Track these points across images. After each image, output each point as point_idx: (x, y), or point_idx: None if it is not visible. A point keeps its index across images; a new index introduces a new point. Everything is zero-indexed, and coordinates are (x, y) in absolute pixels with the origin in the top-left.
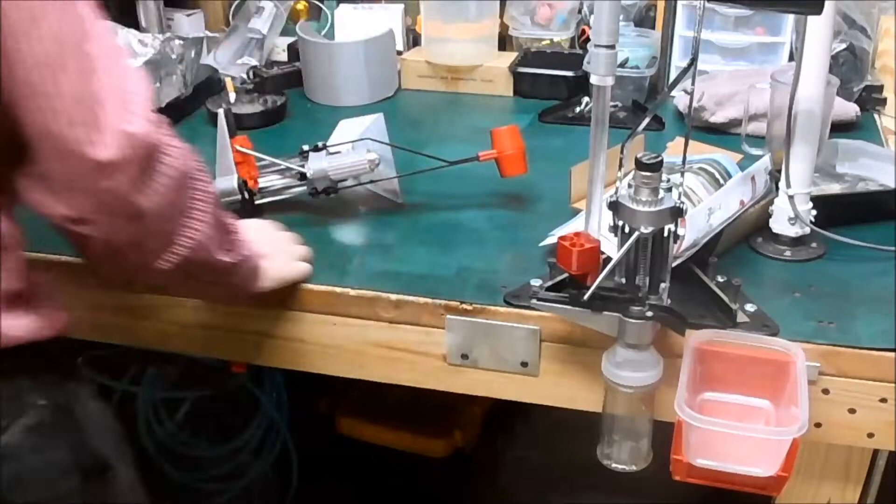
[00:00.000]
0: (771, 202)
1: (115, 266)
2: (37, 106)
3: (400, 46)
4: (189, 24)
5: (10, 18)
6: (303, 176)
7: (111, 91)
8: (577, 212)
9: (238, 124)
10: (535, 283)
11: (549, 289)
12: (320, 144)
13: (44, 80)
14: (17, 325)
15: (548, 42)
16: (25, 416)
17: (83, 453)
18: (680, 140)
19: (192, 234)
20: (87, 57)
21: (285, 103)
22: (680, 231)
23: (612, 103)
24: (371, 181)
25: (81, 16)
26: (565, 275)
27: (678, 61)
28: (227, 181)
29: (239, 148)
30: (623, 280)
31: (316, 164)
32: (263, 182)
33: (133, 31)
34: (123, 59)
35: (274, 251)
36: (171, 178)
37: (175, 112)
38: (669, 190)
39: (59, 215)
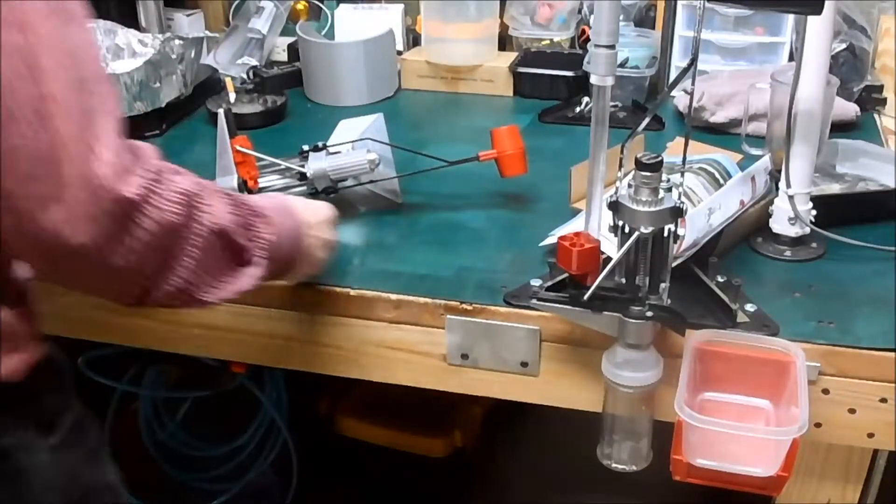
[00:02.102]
0: (771, 202)
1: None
2: None
3: (400, 46)
4: (189, 24)
5: None
6: (303, 176)
7: (71, 139)
8: (577, 212)
9: (238, 124)
10: (535, 283)
11: (549, 289)
12: (320, 144)
13: None
14: None
15: (548, 42)
16: None
17: None
18: (680, 140)
19: (174, 281)
20: (41, 99)
21: (285, 103)
22: (680, 231)
23: (612, 103)
24: (371, 181)
25: (31, 46)
26: (565, 275)
27: (678, 61)
28: (227, 181)
29: (239, 148)
30: (623, 280)
31: (316, 164)
32: (263, 182)
33: (133, 31)
34: (86, 92)
35: (316, 236)
36: (150, 234)
37: (175, 112)
38: (669, 190)
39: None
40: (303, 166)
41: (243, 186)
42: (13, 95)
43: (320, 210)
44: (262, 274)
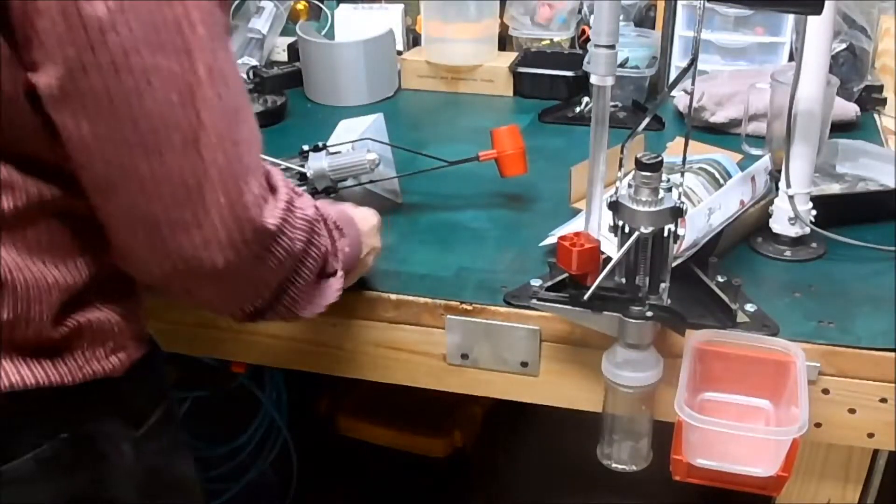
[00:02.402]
0: (771, 202)
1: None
2: (127, 188)
3: (400, 46)
4: None
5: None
6: (302, 176)
7: (219, 169)
8: (577, 212)
9: None
10: (535, 283)
11: (549, 289)
12: (320, 144)
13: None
14: (27, 374)
15: (548, 42)
16: (41, 448)
17: (98, 494)
18: (680, 140)
19: (286, 301)
20: (192, 129)
21: (285, 103)
22: (680, 231)
23: (612, 103)
24: (371, 181)
25: (188, 74)
26: (565, 275)
27: (678, 61)
28: None
29: None
30: (623, 280)
31: (316, 164)
32: None
33: None
34: (239, 122)
35: (372, 247)
36: (280, 260)
37: None
38: (669, 190)
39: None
40: (303, 166)
41: None
42: (164, 123)
43: (370, 218)
44: (342, 285)
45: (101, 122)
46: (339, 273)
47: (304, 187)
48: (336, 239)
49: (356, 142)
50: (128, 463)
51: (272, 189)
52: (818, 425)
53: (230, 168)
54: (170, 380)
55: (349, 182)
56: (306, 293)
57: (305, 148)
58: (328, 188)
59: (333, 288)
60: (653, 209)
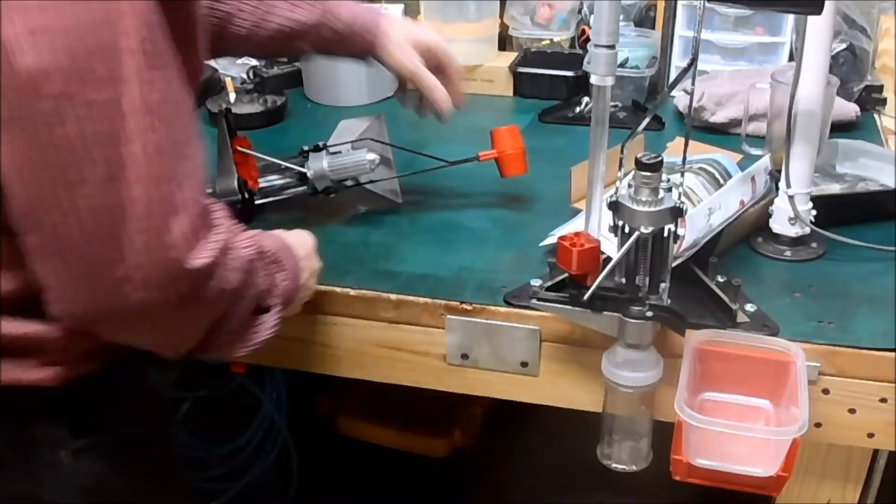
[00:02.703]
0: (771, 202)
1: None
2: (49, 218)
3: None
4: None
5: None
6: (302, 176)
7: (145, 204)
8: (577, 212)
9: (238, 124)
10: (535, 283)
11: (549, 289)
12: (320, 144)
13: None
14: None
15: (548, 42)
16: None
17: (36, 495)
18: (680, 140)
19: (221, 340)
20: (119, 160)
21: (285, 103)
22: (680, 231)
23: (612, 103)
24: (371, 181)
25: (120, 104)
26: (565, 275)
27: (678, 61)
28: (227, 181)
29: (239, 148)
30: (623, 280)
31: (315, 165)
32: (263, 182)
33: None
34: (175, 157)
35: (309, 274)
36: (211, 301)
37: None
38: (669, 190)
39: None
40: (303, 166)
41: (243, 186)
42: (86, 154)
43: (307, 241)
44: (278, 320)
45: (22, 149)
46: (276, 308)
47: (304, 188)
48: (274, 273)
49: (356, 142)
50: (66, 470)
51: (209, 227)
52: (818, 425)
53: (155, 205)
54: (170, 380)
55: (349, 182)
56: (241, 332)
57: (305, 148)
58: (328, 188)
59: (268, 324)
60: (653, 209)
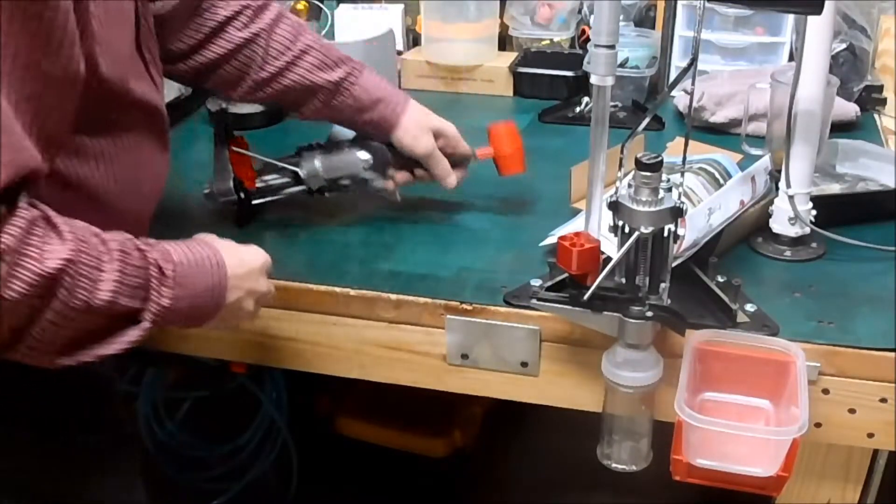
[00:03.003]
0: (771, 202)
1: None
2: None
3: (400, 46)
4: None
5: None
6: (296, 175)
7: None
8: (577, 212)
9: (238, 124)
10: (535, 283)
11: (549, 289)
12: (315, 143)
13: None
14: None
15: (548, 42)
16: None
17: None
18: (680, 140)
19: (26, 348)
20: None
21: None
22: (680, 231)
23: (612, 103)
24: (367, 181)
25: None
26: (565, 275)
27: (678, 61)
28: (224, 182)
29: (234, 148)
30: (623, 280)
31: (308, 164)
32: (261, 182)
33: None
34: None
35: (243, 296)
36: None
37: (175, 112)
38: (669, 190)
39: None
40: (298, 165)
41: (240, 186)
42: None
43: (251, 261)
44: (142, 335)
45: None
46: (144, 323)
47: (302, 186)
48: (152, 287)
49: (351, 140)
50: None
51: None
52: (818, 425)
53: None
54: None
55: (346, 181)
56: (52, 342)
57: (300, 146)
58: (322, 187)
59: (126, 339)
60: (653, 209)
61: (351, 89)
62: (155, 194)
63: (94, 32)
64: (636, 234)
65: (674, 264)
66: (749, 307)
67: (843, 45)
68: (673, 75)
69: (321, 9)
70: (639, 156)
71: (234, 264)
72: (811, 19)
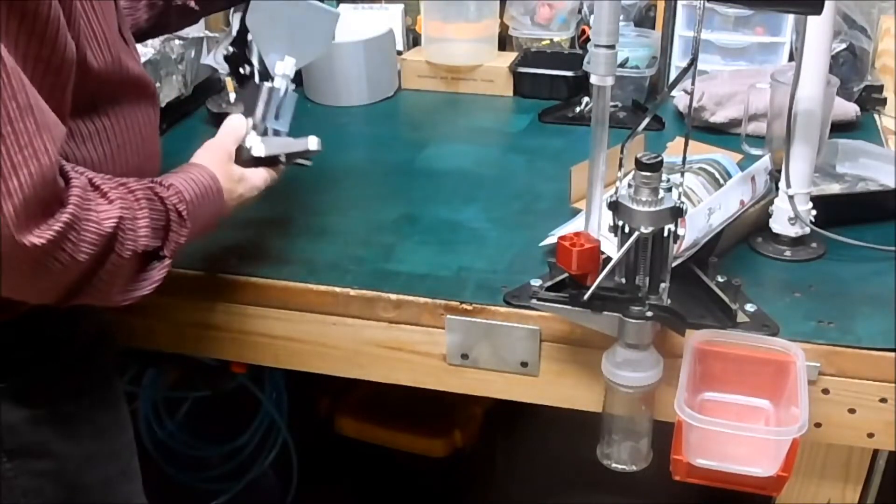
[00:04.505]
0: (771, 202)
1: None
2: None
3: (400, 46)
4: None
5: None
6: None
7: None
8: (577, 212)
9: None
10: (535, 283)
11: (549, 289)
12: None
13: None
14: None
15: (548, 42)
16: None
17: None
18: (680, 140)
19: (91, 297)
20: None
21: None
22: (680, 231)
23: (612, 103)
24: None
25: None
26: (565, 275)
27: (678, 61)
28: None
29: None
30: (623, 280)
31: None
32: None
33: None
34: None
35: (235, 204)
36: (62, 273)
37: (175, 112)
38: (669, 190)
39: None
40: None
41: None
42: None
43: (248, 176)
44: (167, 266)
45: None
46: (167, 260)
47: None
48: (170, 228)
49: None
50: None
51: (53, 206)
52: (818, 425)
53: None
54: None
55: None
56: (118, 288)
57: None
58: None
59: (154, 278)
60: (653, 209)
61: None
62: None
63: (93, 18)
64: (636, 234)
65: (674, 264)
66: (749, 307)
67: (843, 45)
68: (673, 75)
69: None
70: (639, 156)
71: (230, 189)
72: (811, 19)
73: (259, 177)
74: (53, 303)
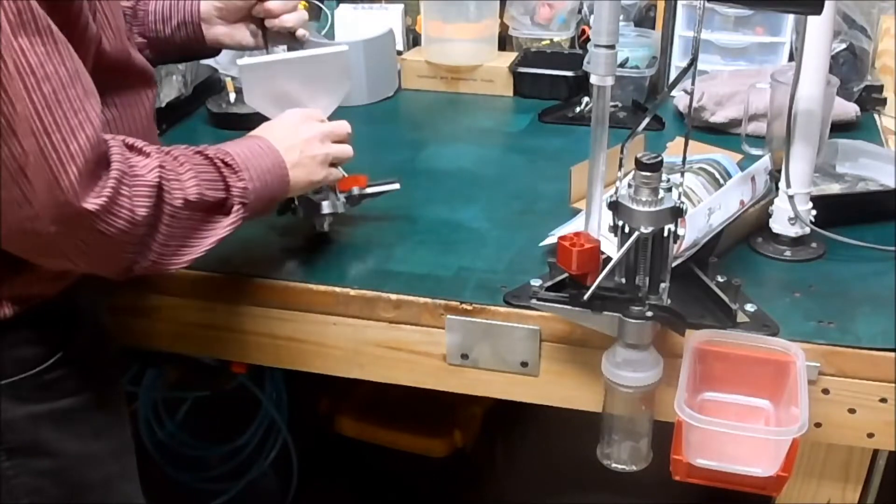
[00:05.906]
0: (771, 202)
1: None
2: None
3: (400, 46)
4: None
5: None
6: None
7: (36, 155)
8: (577, 212)
9: (239, 124)
10: (535, 283)
11: (549, 289)
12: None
13: None
14: None
15: (548, 42)
16: None
17: None
18: (680, 140)
19: (152, 256)
20: (4, 119)
21: None
22: (680, 231)
23: (612, 103)
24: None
25: None
26: (565, 275)
27: (678, 61)
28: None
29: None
30: (623, 280)
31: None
32: None
33: None
34: (56, 110)
35: (299, 159)
36: (122, 231)
37: (175, 112)
38: (669, 190)
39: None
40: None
41: None
42: None
43: (287, 122)
44: (240, 218)
45: None
46: (236, 208)
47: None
48: (225, 177)
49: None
50: None
51: (103, 168)
52: (818, 425)
53: (45, 155)
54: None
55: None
56: (178, 244)
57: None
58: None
59: (224, 225)
60: (653, 209)
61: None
62: None
63: (107, 8)
64: (636, 234)
65: (674, 264)
66: (749, 307)
67: (843, 45)
68: (673, 75)
69: (321, 9)
70: (639, 156)
71: (278, 136)
72: (811, 19)
73: (315, 129)
74: (118, 273)
